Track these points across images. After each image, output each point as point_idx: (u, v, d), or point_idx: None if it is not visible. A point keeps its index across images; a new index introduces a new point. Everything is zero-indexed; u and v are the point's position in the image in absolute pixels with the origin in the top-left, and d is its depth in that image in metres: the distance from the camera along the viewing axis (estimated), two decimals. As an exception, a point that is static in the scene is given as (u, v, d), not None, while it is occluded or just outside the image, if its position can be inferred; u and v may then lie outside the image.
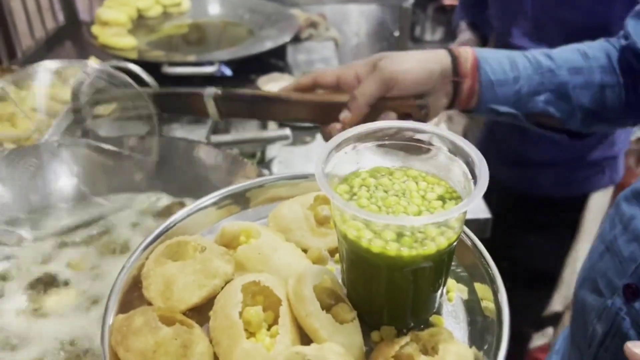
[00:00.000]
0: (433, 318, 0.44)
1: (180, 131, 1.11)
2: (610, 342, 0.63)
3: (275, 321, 0.42)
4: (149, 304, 0.44)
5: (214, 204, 0.54)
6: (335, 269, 0.49)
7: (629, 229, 0.63)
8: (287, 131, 1.02)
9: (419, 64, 0.70)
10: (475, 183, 0.39)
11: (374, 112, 0.70)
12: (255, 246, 0.47)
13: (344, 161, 0.43)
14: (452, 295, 0.47)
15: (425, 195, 0.41)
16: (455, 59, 0.72)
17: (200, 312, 0.45)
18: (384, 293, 0.42)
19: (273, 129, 1.18)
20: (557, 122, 0.76)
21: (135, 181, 0.87)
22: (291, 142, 1.06)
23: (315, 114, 0.74)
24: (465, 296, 0.47)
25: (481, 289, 0.47)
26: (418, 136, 0.44)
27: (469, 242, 0.49)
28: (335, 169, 0.42)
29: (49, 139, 0.87)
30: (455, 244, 0.40)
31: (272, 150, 1.11)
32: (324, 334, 0.40)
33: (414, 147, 0.44)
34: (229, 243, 0.49)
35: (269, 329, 0.42)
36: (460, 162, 0.41)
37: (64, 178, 0.87)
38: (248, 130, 1.32)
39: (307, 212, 0.52)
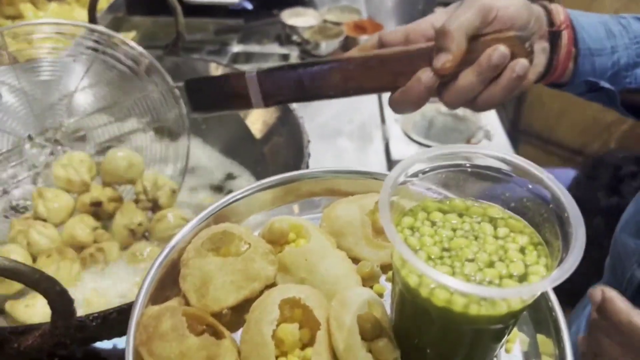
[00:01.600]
0: (485, 370, 0.40)
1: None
2: None
3: (310, 341, 0.39)
4: (183, 295, 0.42)
5: (267, 188, 0.50)
6: (386, 289, 0.44)
7: None
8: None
9: (516, 0, 0.55)
10: (565, 244, 0.33)
11: (468, 54, 0.52)
12: (302, 251, 0.44)
13: (412, 188, 0.37)
14: (511, 346, 0.42)
15: (505, 244, 0.35)
16: (547, 10, 0.59)
17: (237, 311, 0.42)
18: (435, 339, 0.37)
19: (294, 60, 1.11)
20: None
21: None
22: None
23: (384, 76, 0.56)
24: (525, 348, 0.42)
25: (544, 342, 0.42)
26: (502, 167, 0.38)
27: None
28: (402, 196, 0.37)
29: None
30: (530, 304, 0.35)
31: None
32: (361, 374, 0.36)
33: (496, 179, 0.38)
34: (277, 240, 0.46)
35: (302, 348, 0.39)
36: (552, 214, 0.35)
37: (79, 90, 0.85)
38: (268, 61, 1.29)
39: (365, 218, 0.47)
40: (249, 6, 1.41)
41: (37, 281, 0.41)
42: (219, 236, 0.45)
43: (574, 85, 0.63)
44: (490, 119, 1.28)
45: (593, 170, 1.34)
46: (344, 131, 1.15)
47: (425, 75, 0.52)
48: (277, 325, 0.38)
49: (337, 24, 1.48)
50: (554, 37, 0.58)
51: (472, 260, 0.34)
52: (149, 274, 0.42)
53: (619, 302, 0.43)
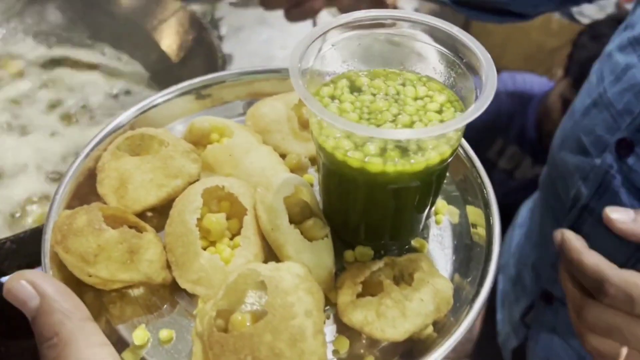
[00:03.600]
0: (416, 241, 0.40)
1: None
2: (596, 203, 0.59)
3: (239, 231, 0.38)
4: (103, 202, 0.40)
5: (187, 93, 0.48)
6: (315, 178, 0.44)
7: (624, 78, 0.57)
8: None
9: None
10: (480, 90, 0.33)
11: None
12: (226, 146, 0.42)
13: (329, 57, 0.36)
14: (440, 218, 0.42)
15: (425, 105, 0.34)
16: None
17: (163, 214, 0.40)
18: (361, 210, 0.37)
19: None
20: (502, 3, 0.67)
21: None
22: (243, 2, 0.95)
23: None
24: (455, 220, 0.43)
25: (473, 212, 0.43)
26: (413, 31, 0.37)
27: (464, 156, 0.43)
28: (318, 66, 0.36)
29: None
30: (449, 160, 0.34)
31: (221, 10, 1.01)
32: (290, 250, 0.35)
33: (410, 45, 0.37)
34: (199, 140, 0.44)
35: (231, 238, 0.38)
36: (466, 67, 0.34)
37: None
38: None
39: (291, 112, 0.46)
40: None
41: None
42: (137, 140, 0.42)
43: None
44: (422, 43, 1.28)
45: None
46: (277, 57, 1.12)
47: None
48: (202, 216, 0.37)
49: None
50: None
51: (392, 122, 0.34)
52: (62, 182, 0.39)
53: (574, 242, 0.44)
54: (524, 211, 0.88)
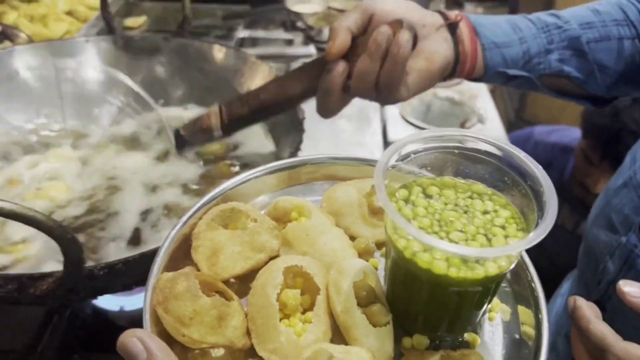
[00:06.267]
0: (469, 335, 0.44)
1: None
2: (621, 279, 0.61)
3: (311, 306, 0.43)
4: (195, 264, 0.45)
5: (273, 172, 0.54)
6: (380, 262, 0.48)
7: None
8: (311, 49, 1.00)
9: (410, 5, 0.65)
10: (541, 214, 0.37)
11: (360, 47, 0.62)
12: (303, 227, 0.48)
13: (409, 163, 0.41)
14: (493, 315, 0.45)
15: (492, 219, 0.39)
16: (440, 12, 0.66)
17: (243, 281, 0.46)
18: (423, 303, 0.41)
19: (298, 46, 1.15)
20: (576, 85, 0.69)
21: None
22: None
23: (307, 80, 0.67)
24: (506, 317, 0.46)
25: (524, 312, 0.46)
26: (483, 147, 0.42)
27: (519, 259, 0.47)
28: (398, 170, 0.41)
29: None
30: (507, 272, 0.39)
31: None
32: (357, 333, 0.40)
33: (479, 160, 0.42)
34: (281, 217, 0.50)
35: (303, 313, 0.43)
36: (529, 190, 0.39)
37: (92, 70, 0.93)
38: (273, 46, 1.33)
39: (362, 199, 0.51)
40: None
41: (50, 228, 0.45)
42: (228, 213, 0.49)
43: (489, 77, 0.69)
44: (485, 103, 1.34)
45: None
46: (343, 114, 1.20)
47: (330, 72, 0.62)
48: (281, 291, 0.42)
49: (342, 11, 1.53)
50: (452, 29, 0.65)
51: (460, 231, 0.38)
52: (163, 245, 0.46)
53: (585, 310, 0.45)
54: (569, 281, 0.90)
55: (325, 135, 1.14)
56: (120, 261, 0.52)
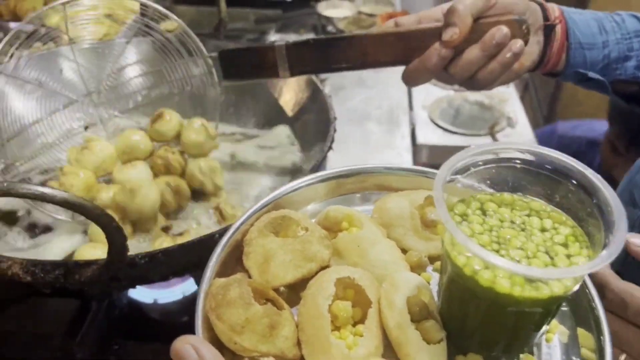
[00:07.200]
0: (525, 356, 0.42)
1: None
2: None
3: (361, 319, 0.42)
4: (246, 270, 0.46)
5: (322, 181, 0.54)
6: (432, 277, 0.47)
7: None
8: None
9: None
10: (608, 233, 0.35)
11: (472, 34, 0.61)
12: (355, 237, 0.47)
13: (465, 178, 0.40)
14: (550, 337, 0.44)
15: (552, 237, 0.37)
16: (542, 7, 0.67)
17: (293, 290, 0.46)
18: (479, 322, 0.40)
19: None
20: None
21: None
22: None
23: (398, 50, 0.64)
24: (564, 339, 0.44)
25: (584, 335, 0.44)
26: (547, 164, 0.40)
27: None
28: (456, 184, 0.40)
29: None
30: (571, 292, 0.37)
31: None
32: (410, 350, 0.39)
33: (542, 176, 0.41)
34: (331, 227, 0.49)
35: (354, 325, 0.42)
36: (595, 208, 0.37)
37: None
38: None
39: (414, 211, 0.50)
40: None
41: (97, 216, 0.47)
42: (279, 220, 0.48)
43: (566, 75, 0.70)
44: (514, 107, 1.32)
45: None
46: (372, 115, 1.21)
47: (440, 48, 0.61)
48: (332, 302, 0.41)
49: (371, 15, 1.54)
50: (548, 30, 0.66)
51: (519, 249, 0.37)
52: (215, 251, 0.46)
53: (607, 274, 0.46)
54: None
55: (354, 137, 1.15)
56: (161, 251, 0.53)
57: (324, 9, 1.54)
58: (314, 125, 0.89)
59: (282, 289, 0.46)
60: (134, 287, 0.70)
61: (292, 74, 0.69)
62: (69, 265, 0.52)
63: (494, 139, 1.22)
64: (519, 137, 1.24)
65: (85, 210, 0.46)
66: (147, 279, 0.59)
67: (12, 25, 1.30)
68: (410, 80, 0.66)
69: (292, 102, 0.98)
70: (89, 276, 0.51)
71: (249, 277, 0.45)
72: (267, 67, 0.68)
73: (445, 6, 0.64)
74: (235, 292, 0.40)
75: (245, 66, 0.70)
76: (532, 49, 0.66)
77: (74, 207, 0.46)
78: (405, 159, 1.08)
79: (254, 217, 0.49)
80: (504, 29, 0.59)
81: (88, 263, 0.51)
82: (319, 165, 0.70)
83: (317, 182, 0.53)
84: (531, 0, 0.67)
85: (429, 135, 1.22)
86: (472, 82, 0.63)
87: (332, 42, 0.66)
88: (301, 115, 0.96)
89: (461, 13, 0.60)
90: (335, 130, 0.77)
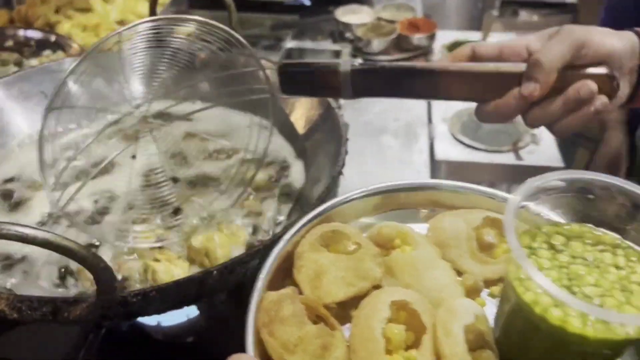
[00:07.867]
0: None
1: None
2: None
3: (414, 344, 0.41)
4: (296, 284, 0.44)
5: (372, 195, 0.52)
6: (487, 302, 0.45)
7: None
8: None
9: (610, 32, 0.57)
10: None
11: (556, 82, 0.55)
12: (409, 258, 0.46)
13: (535, 205, 0.38)
14: (612, 376, 0.42)
15: (628, 275, 0.35)
16: None
17: (342, 307, 0.44)
18: (539, 357, 0.38)
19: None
20: None
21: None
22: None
23: (474, 89, 0.60)
24: (626, 379, 0.42)
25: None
26: (625, 196, 0.38)
27: None
28: (525, 211, 0.38)
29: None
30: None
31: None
32: (466, 381, 0.37)
33: (618, 208, 0.39)
34: (384, 244, 0.48)
35: (406, 349, 0.41)
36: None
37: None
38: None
39: (471, 232, 0.48)
40: (307, 1, 1.46)
41: (84, 258, 0.46)
42: (330, 234, 0.47)
43: None
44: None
45: None
46: (389, 129, 1.16)
47: (518, 97, 0.56)
48: (385, 324, 0.40)
49: (391, 22, 1.48)
50: None
51: (593, 286, 0.35)
52: (266, 262, 0.45)
53: None
54: None
55: (370, 152, 1.10)
56: (154, 288, 0.52)
57: (341, 15, 1.49)
58: (325, 145, 0.83)
59: (332, 305, 0.45)
60: (129, 320, 0.69)
61: (355, 97, 0.65)
62: (57, 303, 0.50)
63: (517, 155, 1.17)
64: (543, 155, 1.18)
65: (70, 253, 0.45)
66: (141, 314, 0.57)
67: (22, 32, 1.28)
68: (484, 119, 0.60)
69: (303, 119, 0.94)
70: (79, 315, 0.50)
71: (299, 291, 0.44)
72: (328, 88, 0.64)
73: (530, 42, 0.58)
74: (288, 309, 0.39)
75: (305, 84, 0.66)
76: (621, 92, 0.58)
77: (57, 249, 0.45)
78: (423, 175, 1.04)
79: (304, 229, 0.48)
80: (591, 85, 0.53)
81: (77, 300, 0.50)
82: (327, 195, 0.66)
83: (367, 196, 0.52)
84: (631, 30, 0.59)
85: (449, 150, 1.16)
86: (548, 128, 0.59)
87: (402, 72, 0.62)
88: (312, 134, 0.90)
89: (545, 68, 0.54)
90: (346, 152, 0.74)
